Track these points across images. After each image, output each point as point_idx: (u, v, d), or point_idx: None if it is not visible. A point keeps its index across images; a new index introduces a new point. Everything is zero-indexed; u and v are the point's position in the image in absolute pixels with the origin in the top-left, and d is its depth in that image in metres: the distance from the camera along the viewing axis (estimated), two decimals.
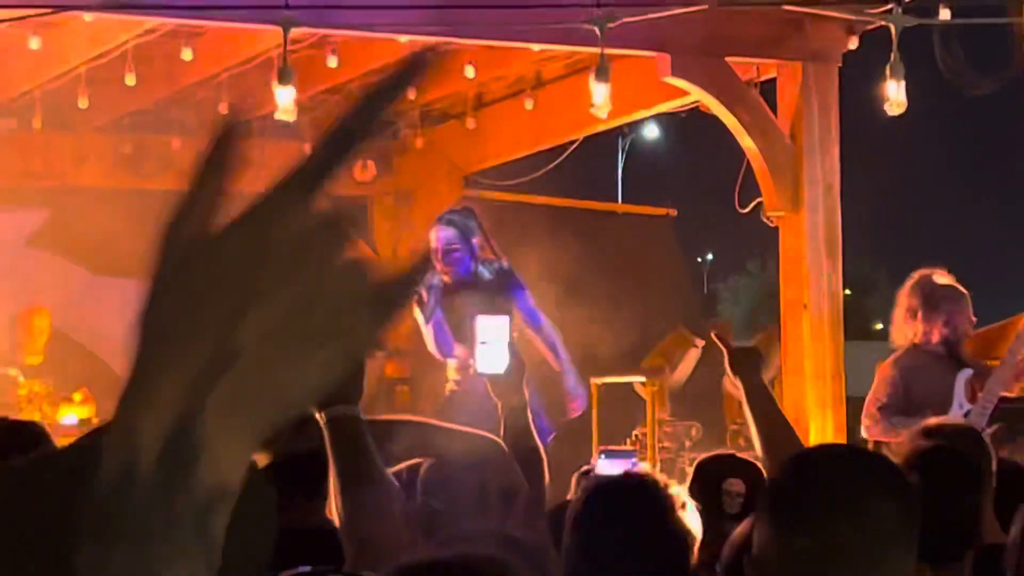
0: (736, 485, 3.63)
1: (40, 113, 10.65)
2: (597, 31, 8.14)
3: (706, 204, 15.83)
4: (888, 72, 8.40)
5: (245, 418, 0.86)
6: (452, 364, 8.05)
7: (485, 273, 7.98)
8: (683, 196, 16.42)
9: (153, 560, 0.84)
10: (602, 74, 8.21)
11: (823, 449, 3.35)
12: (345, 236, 0.90)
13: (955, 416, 6.88)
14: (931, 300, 7.25)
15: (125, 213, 9.08)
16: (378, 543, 2.83)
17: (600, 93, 8.22)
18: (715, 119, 9.29)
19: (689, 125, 11.19)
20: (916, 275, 7.38)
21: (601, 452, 9.47)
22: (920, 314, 7.25)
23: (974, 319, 7.42)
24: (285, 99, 8.25)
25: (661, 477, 3.19)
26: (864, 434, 7.37)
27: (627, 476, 3.30)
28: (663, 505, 3.01)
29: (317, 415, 2.92)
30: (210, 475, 0.85)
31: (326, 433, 2.90)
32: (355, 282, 0.89)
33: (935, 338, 7.24)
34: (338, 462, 2.88)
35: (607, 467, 4.32)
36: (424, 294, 7.81)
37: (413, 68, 0.93)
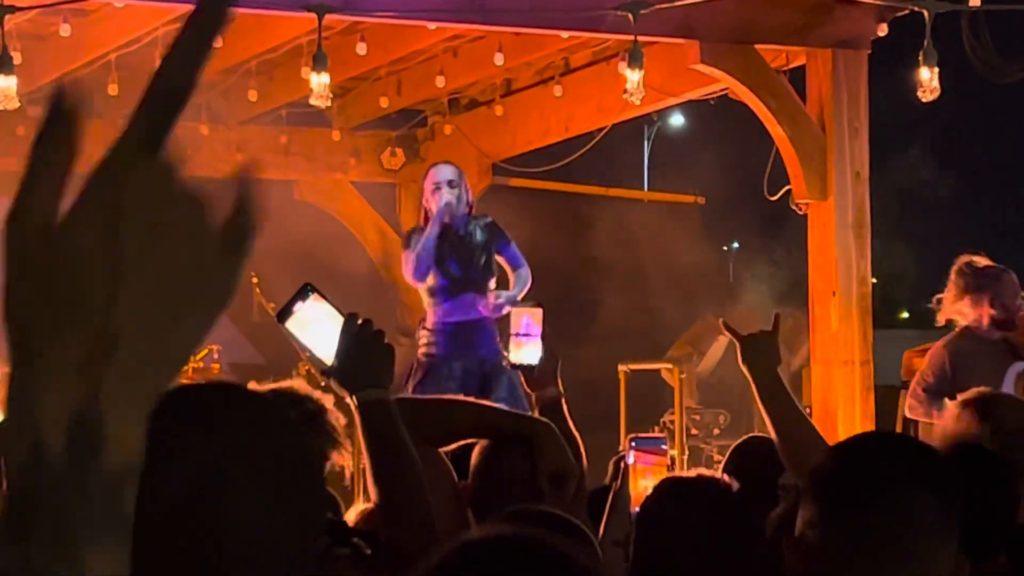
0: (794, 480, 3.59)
1: None
2: (630, 17, 8.14)
3: (733, 191, 15.79)
4: (921, 58, 8.38)
5: (137, 392, 0.87)
6: (423, 331, 8.24)
7: (476, 233, 8.32)
8: (710, 183, 16.37)
9: (74, 543, 0.84)
10: (635, 61, 8.20)
11: (868, 436, 3.34)
12: (185, 185, 0.88)
13: None
14: (974, 281, 7.20)
15: None
16: (415, 523, 2.84)
17: (633, 80, 8.22)
18: (744, 106, 9.27)
19: (718, 112, 11.17)
20: (959, 260, 7.32)
21: (631, 439, 9.44)
22: (968, 297, 7.21)
23: None
24: (319, 85, 8.29)
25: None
26: (908, 414, 7.34)
27: (703, 477, 3.29)
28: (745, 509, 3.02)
29: (348, 399, 2.93)
30: (116, 452, 0.86)
31: (357, 417, 2.91)
32: (206, 229, 0.88)
33: (986, 321, 7.19)
34: (370, 445, 2.89)
35: (639, 454, 4.29)
36: (428, 219, 8.19)
37: (214, 12, 0.92)
